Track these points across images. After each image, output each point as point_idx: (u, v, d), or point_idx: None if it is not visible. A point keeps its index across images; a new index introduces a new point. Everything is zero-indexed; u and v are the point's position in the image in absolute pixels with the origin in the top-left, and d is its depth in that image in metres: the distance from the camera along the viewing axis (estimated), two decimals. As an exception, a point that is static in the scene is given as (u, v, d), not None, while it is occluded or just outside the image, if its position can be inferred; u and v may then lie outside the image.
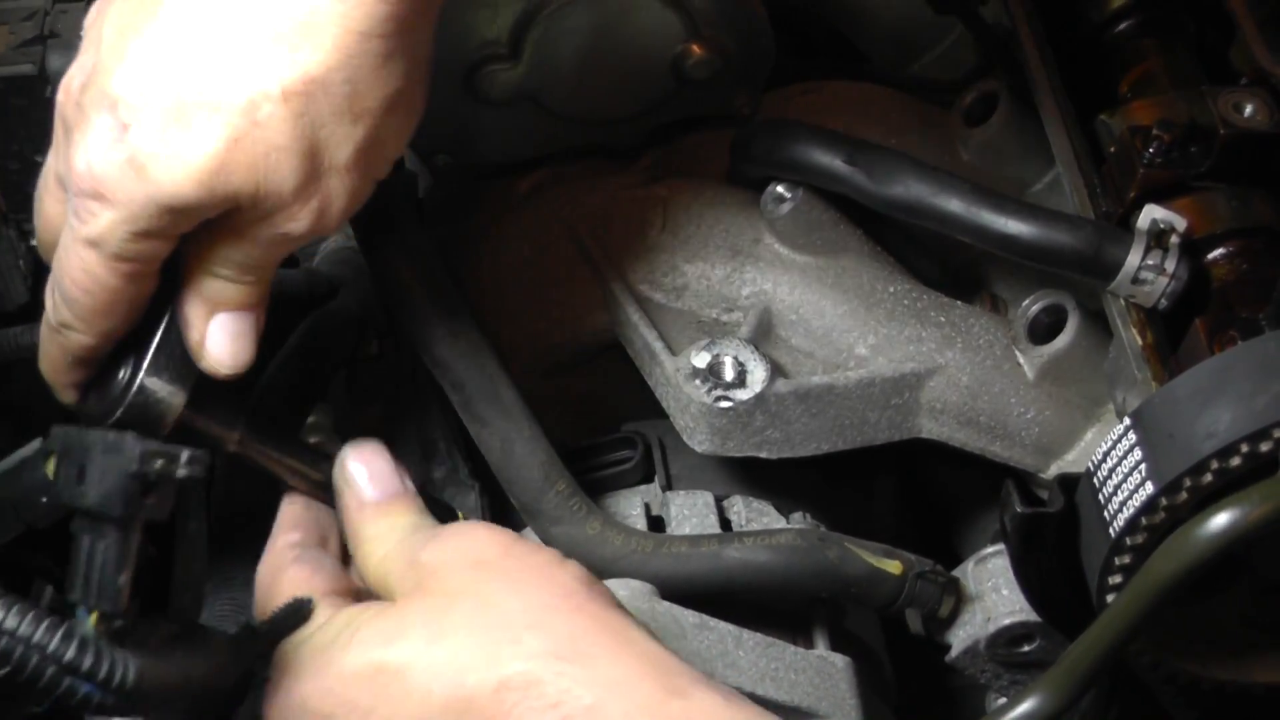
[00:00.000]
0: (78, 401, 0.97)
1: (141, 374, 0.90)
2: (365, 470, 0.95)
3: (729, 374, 1.03)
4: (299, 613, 0.88)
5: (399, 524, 0.93)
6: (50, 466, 0.88)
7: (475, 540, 0.89)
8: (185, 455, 0.80)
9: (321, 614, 0.89)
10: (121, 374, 0.92)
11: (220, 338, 0.89)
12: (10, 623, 0.77)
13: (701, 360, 1.03)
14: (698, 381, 1.03)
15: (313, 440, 1.47)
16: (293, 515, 0.98)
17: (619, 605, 0.86)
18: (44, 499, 0.90)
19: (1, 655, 0.77)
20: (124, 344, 0.92)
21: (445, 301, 1.00)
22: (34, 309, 1.22)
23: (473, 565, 0.86)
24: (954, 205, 1.02)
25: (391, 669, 0.83)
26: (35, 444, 0.94)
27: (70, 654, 0.77)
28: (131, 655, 0.78)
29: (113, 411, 0.90)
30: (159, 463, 0.79)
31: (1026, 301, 1.10)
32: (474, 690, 0.80)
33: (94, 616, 0.81)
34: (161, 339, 0.91)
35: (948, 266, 1.18)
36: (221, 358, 0.90)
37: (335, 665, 0.85)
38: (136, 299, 0.90)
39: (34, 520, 0.93)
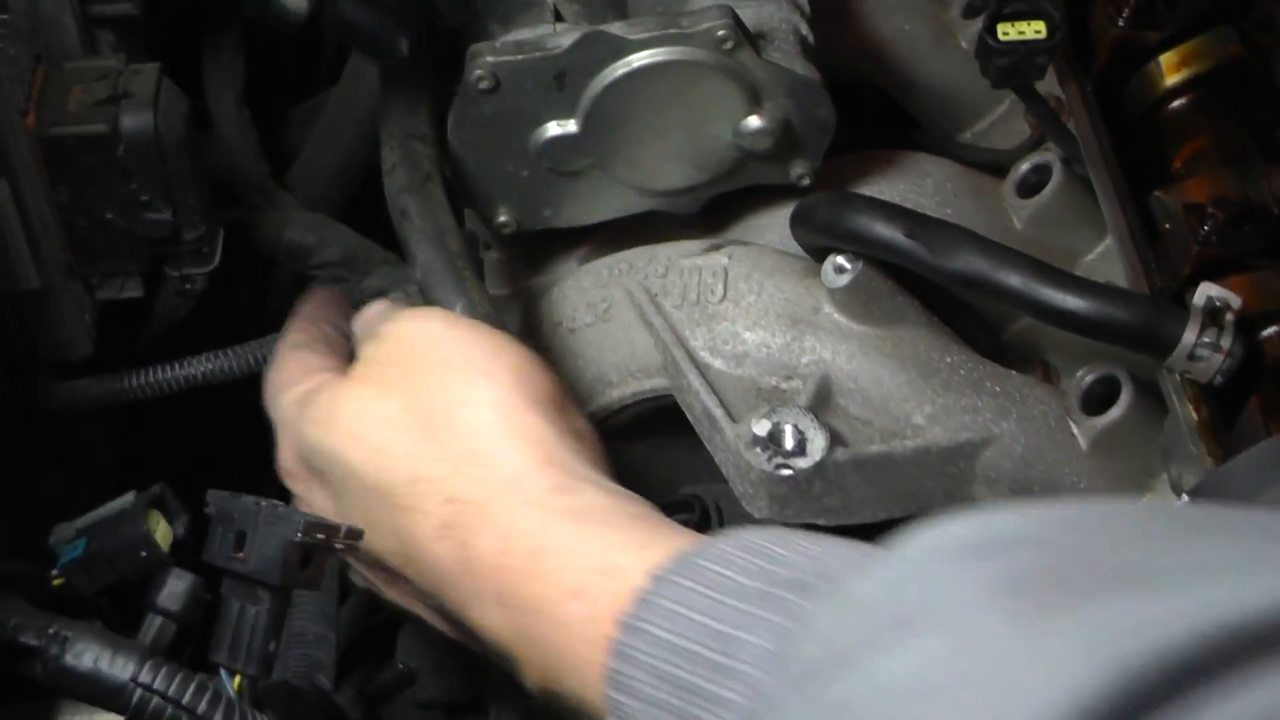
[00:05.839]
0: None
1: None
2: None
3: (789, 442, 1.05)
4: (404, 679, 0.91)
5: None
6: (154, 521, 0.91)
7: (413, 334, 0.96)
8: (344, 529, 0.83)
9: (306, 381, 1.00)
10: None
11: None
12: (160, 683, 0.80)
13: (762, 428, 1.05)
14: (758, 449, 1.04)
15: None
16: (299, 316, 1.13)
17: (548, 397, 0.92)
18: (143, 553, 0.93)
19: (152, 715, 0.80)
20: None
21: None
22: (97, 360, 1.25)
23: (405, 360, 0.94)
24: (1013, 280, 1.03)
25: (327, 452, 0.94)
26: (129, 497, 0.96)
27: (218, 717, 0.80)
28: (270, 718, 0.81)
29: None
30: (319, 535, 0.82)
31: (1080, 372, 1.12)
32: (392, 480, 0.89)
33: (237, 679, 0.84)
34: None
35: (1000, 334, 1.20)
36: None
37: (292, 436, 0.98)
38: None
39: (130, 574, 0.95)
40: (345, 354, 1.07)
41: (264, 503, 0.84)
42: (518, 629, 0.83)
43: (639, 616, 0.75)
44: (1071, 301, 1.02)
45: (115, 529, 0.97)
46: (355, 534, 0.84)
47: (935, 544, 0.61)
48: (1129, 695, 0.47)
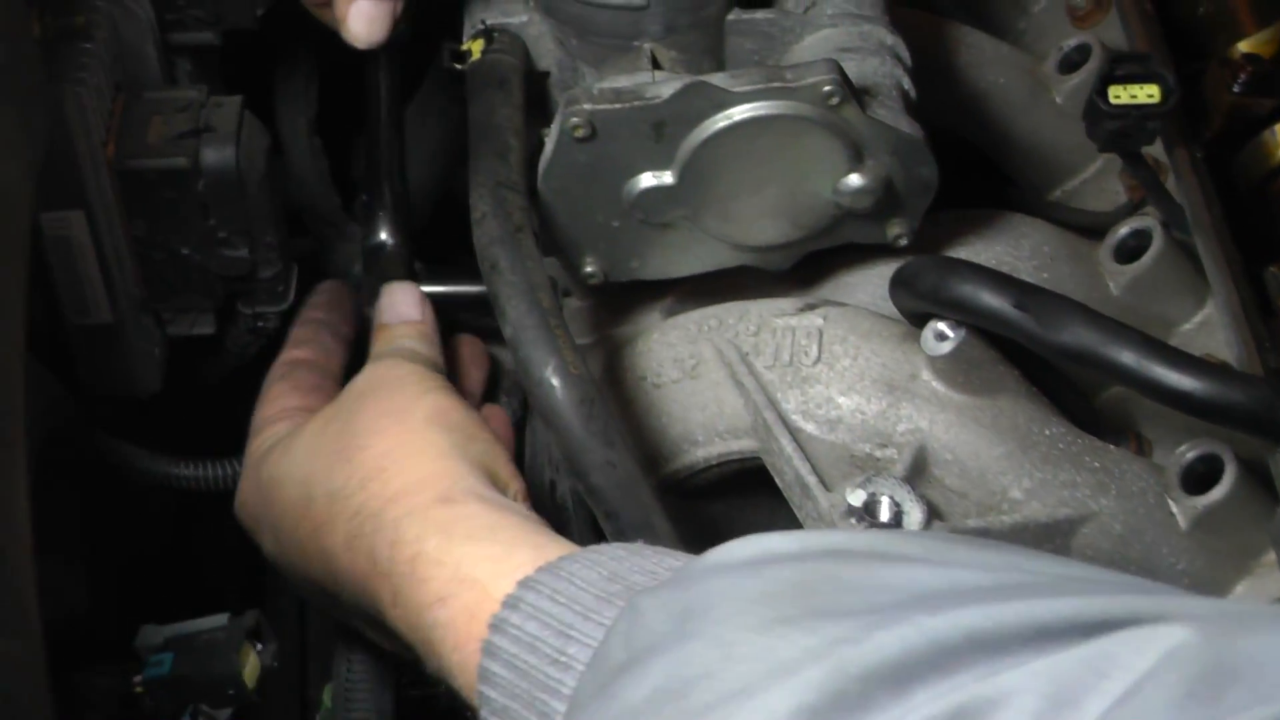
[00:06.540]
0: None
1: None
2: (386, 300, 1.14)
3: (885, 514, 1.02)
4: None
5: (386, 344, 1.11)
6: (244, 657, 0.88)
7: (366, 378, 1.05)
8: None
9: (274, 427, 1.07)
10: None
11: (358, 19, 1.08)
12: None
13: (857, 499, 1.02)
14: (853, 520, 1.01)
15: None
16: (300, 335, 1.17)
17: (457, 425, 1.00)
18: (230, 691, 0.90)
19: None
20: None
21: (603, 431, 0.98)
22: (165, 398, 1.22)
23: (357, 395, 1.04)
24: (1125, 357, 1.00)
25: (275, 481, 1.02)
26: (221, 619, 0.94)
27: None
28: None
29: None
30: None
31: (1181, 449, 1.08)
32: (314, 496, 0.98)
33: None
34: None
35: (1091, 400, 1.17)
36: (359, 34, 1.09)
37: (251, 475, 1.06)
38: None
39: (212, 705, 0.92)
40: (337, 371, 1.15)
41: None
42: (410, 628, 0.90)
43: (503, 618, 0.83)
44: (1187, 382, 0.99)
45: (205, 658, 0.97)
46: None
47: (716, 560, 0.73)
48: (838, 696, 0.60)
